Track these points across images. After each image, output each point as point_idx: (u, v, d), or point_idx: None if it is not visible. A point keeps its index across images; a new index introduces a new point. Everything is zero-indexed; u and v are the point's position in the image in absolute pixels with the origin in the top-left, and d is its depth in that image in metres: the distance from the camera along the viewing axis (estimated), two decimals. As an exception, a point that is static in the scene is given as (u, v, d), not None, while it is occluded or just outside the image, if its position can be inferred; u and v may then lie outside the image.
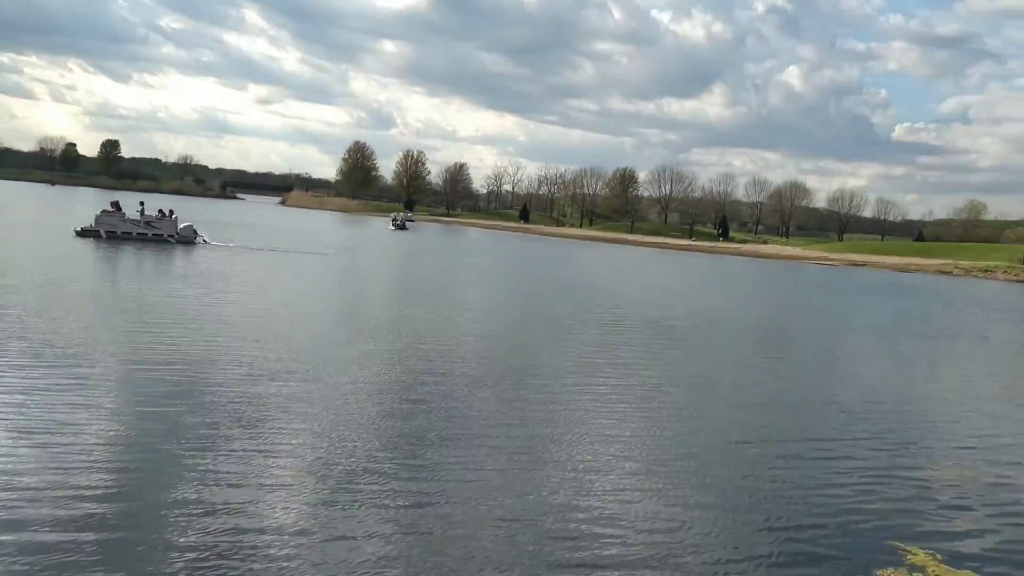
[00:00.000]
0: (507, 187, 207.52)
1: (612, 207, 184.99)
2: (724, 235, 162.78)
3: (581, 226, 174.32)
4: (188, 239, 42.96)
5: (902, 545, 8.40)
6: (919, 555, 8.17)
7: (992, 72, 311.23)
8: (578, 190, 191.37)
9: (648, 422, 12.93)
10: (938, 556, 8.15)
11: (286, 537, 7.43)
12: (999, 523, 9.41)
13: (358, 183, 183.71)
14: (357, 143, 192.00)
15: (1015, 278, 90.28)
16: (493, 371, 15.93)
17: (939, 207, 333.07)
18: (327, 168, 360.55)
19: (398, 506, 8.39)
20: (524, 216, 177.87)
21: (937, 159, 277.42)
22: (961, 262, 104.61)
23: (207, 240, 44.00)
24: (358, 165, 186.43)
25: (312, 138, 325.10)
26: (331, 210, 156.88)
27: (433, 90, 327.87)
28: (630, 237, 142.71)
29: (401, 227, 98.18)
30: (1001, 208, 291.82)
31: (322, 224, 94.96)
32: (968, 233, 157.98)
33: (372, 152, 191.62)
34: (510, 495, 9.00)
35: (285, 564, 6.91)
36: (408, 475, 9.35)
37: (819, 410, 15.05)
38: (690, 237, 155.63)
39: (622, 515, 8.71)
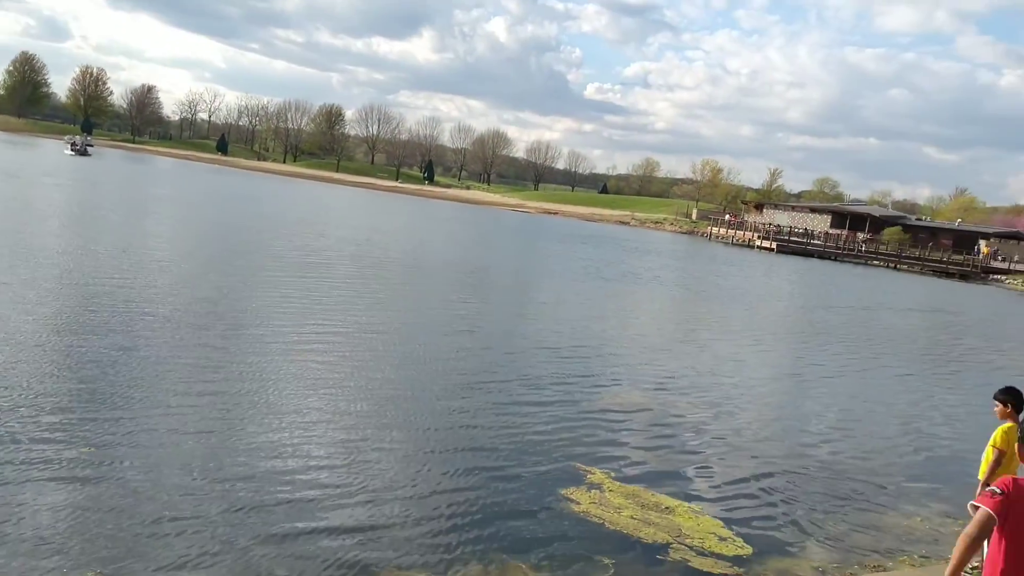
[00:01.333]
0: (203, 116, 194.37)
1: (317, 144, 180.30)
2: (430, 179, 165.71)
3: (285, 162, 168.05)
4: None
5: (584, 467, 9.09)
6: (597, 474, 8.89)
7: (669, 42, 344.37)
8: (281, 124, 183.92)
9: (355, 366, 12.80)
10: (612, 475, 8.92)
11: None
12: (662, 444, 10.53)
13: (25, 100, 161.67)
14: (24, 54, 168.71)
15: (679, 230, 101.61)
16: (186, 315, 14.83)
17: (621, 163, 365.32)
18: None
19: (65, 476, 7.47)
20: (222, 148, 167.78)
21: (621, 119, 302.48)
22: (637, 214, 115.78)
23: None
24: (25, 79, 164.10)
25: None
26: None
27: (116, 1, 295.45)
28: (336, 176, 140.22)
29: (82, 152, 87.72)
30: (671, 166, 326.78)
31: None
32: (644, 188, 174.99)
33: (43, 66, 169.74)
34: (204, 454, 8.42)
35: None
36: (81, 437, 8.40)
37: (515, 349, 15.84)
38: (397, 179, 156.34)
39: (323, 463, 8.52)
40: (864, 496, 9.43)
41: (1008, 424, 6.66)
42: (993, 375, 20.62)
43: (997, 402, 6.83)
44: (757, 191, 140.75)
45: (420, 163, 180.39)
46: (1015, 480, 3.59)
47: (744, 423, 12.23)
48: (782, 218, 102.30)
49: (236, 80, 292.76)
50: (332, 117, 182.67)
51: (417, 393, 11.35)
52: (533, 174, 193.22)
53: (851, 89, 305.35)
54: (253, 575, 5.90)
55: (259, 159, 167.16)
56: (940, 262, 78.47)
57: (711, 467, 9.82)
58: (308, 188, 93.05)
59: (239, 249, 26.38)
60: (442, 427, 9.92)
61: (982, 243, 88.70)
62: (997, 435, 6.68)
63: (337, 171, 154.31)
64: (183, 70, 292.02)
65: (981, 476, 6.71)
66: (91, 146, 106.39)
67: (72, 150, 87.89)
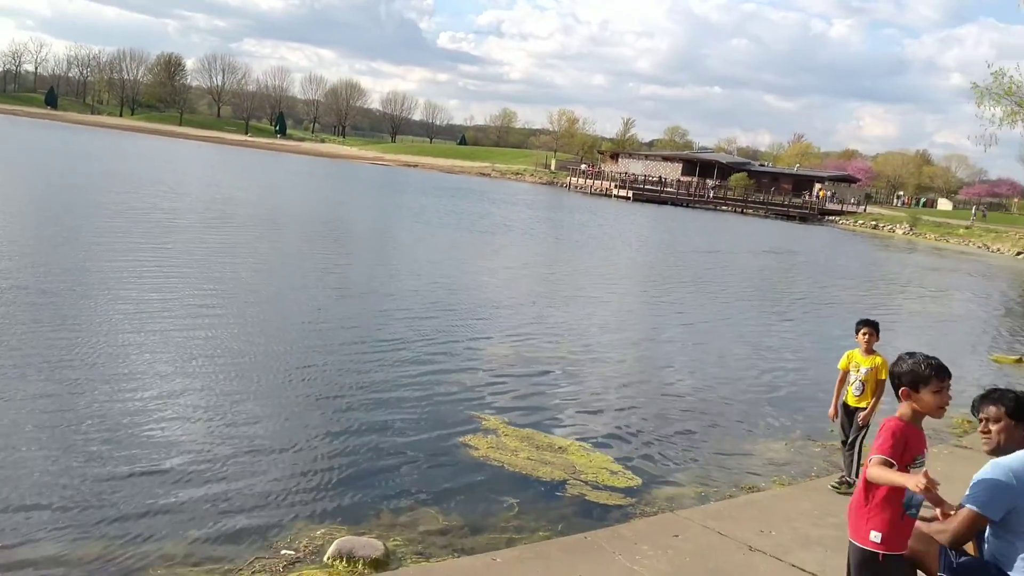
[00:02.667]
0: (28, 67, 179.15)
1: (157, 96, 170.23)
2: (282, 132, 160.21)
3: (122, 115, 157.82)
4: None
5: (477, 414, 9.37)
6: (491, 420, 9.19)
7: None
8: (116, 75, 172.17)
9: (223, 331, 12.51)
10: (506, 421, 9.25)
11: None
12: (547, 389, 10.97)
13: None
14: None
15: (539, 180, 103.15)
16: (29, 282, 14.00)
17: (478, 113, 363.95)
18: None
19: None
20: (51, 101, 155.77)
21: (477, 68, 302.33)
22: (497, 165, 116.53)
23: None
24: None
25: None
26: None
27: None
28: (180, 130, 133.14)
29: None
30: (528, 117, 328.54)
31: None
32: (502, 139, 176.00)
33: None
34: (58, 425, 8.12)
35: None
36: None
37: (392, 307, 15.89)
38: (246, 133, 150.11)
39: (200, 429, 8.39)
40: (733, 427, 10.20)
41: (855, 351, 7.64)
42: (839, 310, 22.44)
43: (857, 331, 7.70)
44: (612, 141, 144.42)
45: (270, 116, 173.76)
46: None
47: (617, 365, 12.88)
48: (636, 167, 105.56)
49: (63, 28, 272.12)
50: (171, 67, 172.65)
51: (292, 354, 11.15)
52: (390, 126, 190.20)
53: (696, 39, 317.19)
54: (127, 547, 5.81)
55: (93, 112, 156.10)
56: (782, 206, 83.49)
57: (594, 408, 10.32)
58: (150, 143, 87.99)
59: (79, 211, 24.87)
60: (324, 387, 9.87)
61: (817, 187, 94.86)
62: (843, 359, 7.68)
63: (180, 125, 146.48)
64: (3, 18, 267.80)
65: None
66: None
67: None
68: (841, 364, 7.75)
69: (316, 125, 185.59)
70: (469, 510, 6.81)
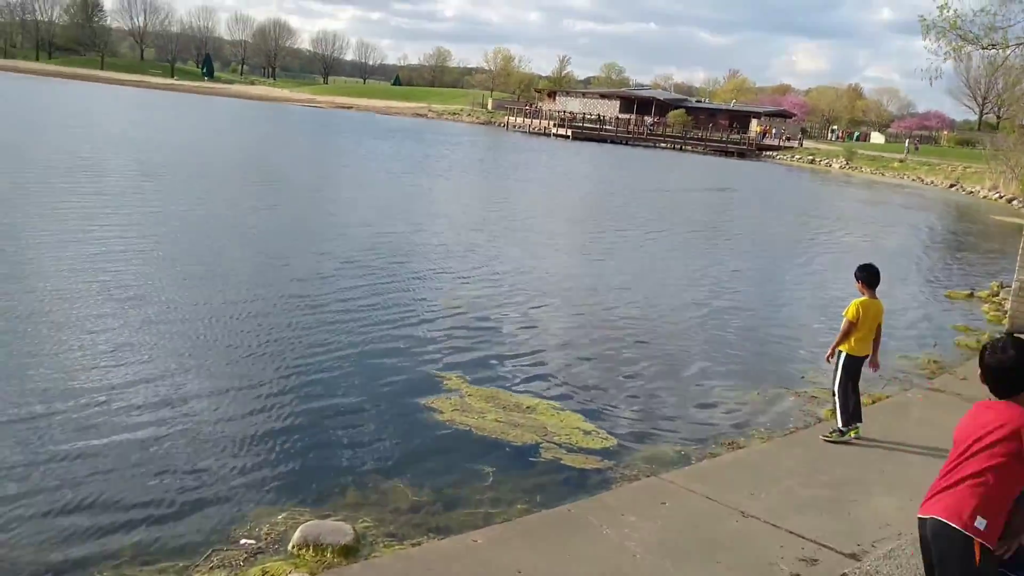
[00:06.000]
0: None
1: (75, 38, 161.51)
2: (209, 75, 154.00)
3: (38, 59, 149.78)
4: None
5: (438, 373, 8.91)
6: (453, 380, 8.75)
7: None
8: (28, 16, 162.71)
9: (163, 292, 11.74)
10: (468, 379, 8.81)
11: None
12: (504, 342, 10.55)
13: None
14: None
15: (477, 120, 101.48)
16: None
17: (411, 53, 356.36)
18: None
19: None
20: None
21: (409, 6, 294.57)
22: (434, 106, 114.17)
23: None
24: None
25: None
26: None
27: None
28: (101, 74, 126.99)
29: None
30: (463, 56, 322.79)
31: None
32: (437, 79, 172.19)
33: None
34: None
35: None
36: None
37: (343, 255, 15.19)
38: (172, 76, 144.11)
39: (147, 400, 7.78)
40: (701, 376, 9.94)
41: (863, 298, 7.28)
42: (793, 248, 22.43)
43: (856, 278, 7.39)
44: (548, 79, 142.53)
45: (196, 57, 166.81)
46: None
47: (575, 313, 12.53)
48: (574, 105, 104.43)
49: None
50: (89, 7, 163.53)
51: (235, 318, 10.44)
52: (321, 67, 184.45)
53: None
54: (68, 546, 5.27)
55: (6, 56, 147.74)
56: (720, 142, 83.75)
57: (557, 362, 9.94)
58: (71, 88, 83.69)
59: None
60: (270, 353, 9.23)
61: (754, 122, 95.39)
62: (850, 307, 7.27)
63: (102, 68, 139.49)
64: None
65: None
66: None
67: None
68: (851, 314, 7.24)
69: (245, 67, 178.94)
70: (440, 482, 6.38)
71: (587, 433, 7.64)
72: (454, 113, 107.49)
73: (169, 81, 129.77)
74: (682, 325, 12.38)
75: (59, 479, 5.93)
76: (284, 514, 5.70)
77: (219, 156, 32.63)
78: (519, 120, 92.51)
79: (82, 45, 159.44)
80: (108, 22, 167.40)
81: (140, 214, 16.97)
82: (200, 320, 10.08)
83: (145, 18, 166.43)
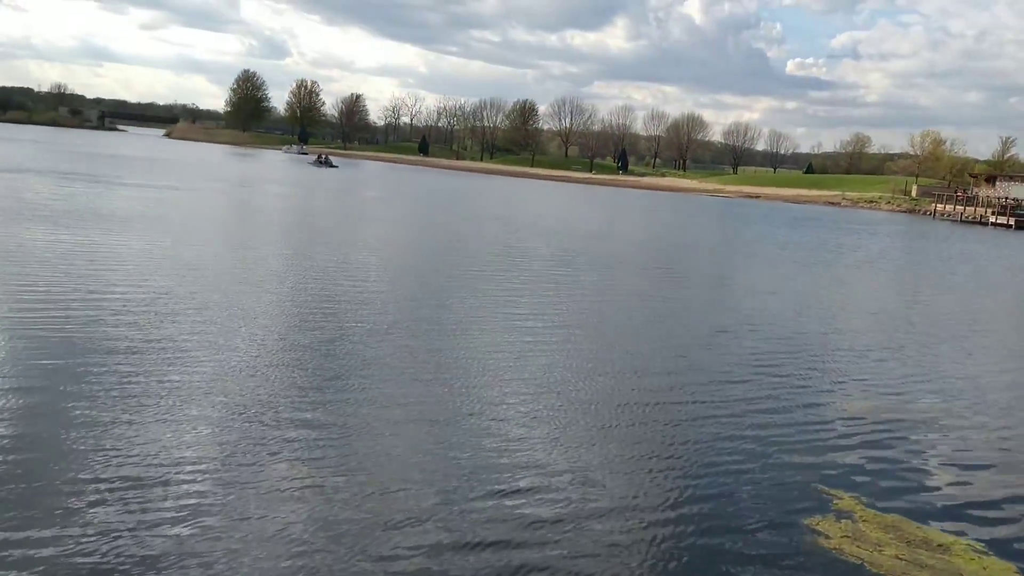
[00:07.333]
0: (405, 119, 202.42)
1: (512, 140, 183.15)
2: (623, 168, 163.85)
3: (482, 159, 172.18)
4: None
5: (828, 490, 7.85)
6: (845, 499, 7.64)
7: (880, 8, 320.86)
8: (478, 123, 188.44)
9: (580, 367, 12.12)
10: (863, 501, 7.64)
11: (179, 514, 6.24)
12: (918, 462, 9.02)
13: (248, 115, 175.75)
14: (246, 72, 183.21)
15: (897, 208, 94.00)
16: (415, 319, 14.81)
17: (827, 140, 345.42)
18: (215, 99, 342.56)
19: (310, 475, 7.28)
20: (423, 149, 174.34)
21: (827, 94, 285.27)
22: (848, 193, 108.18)
23: None
24: (248, 96, 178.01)
25: (200, 67, 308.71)
26: (221, 143, 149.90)
27: (330, 18, 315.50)
28: (531, 170, 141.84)
29: (326, 163, 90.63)
30: (884, 141, 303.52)
31: (211, 157, 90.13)
32: (853, 165, 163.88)
33: (263, 82, 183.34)
34: (430, 454, 8.00)
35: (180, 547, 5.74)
36: (314, 434, 8.22)
37: (740, 349, 14.54)
38: (591, 170, 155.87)
39: (549, 476, 7.85)
40: None
41: None
42: None
43: None
44: (987, 163, 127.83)
45: (613, 153, 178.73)
46: None
47: (1012, 434, 10.38)
48: (1019, 191, 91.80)
49: (436, 83, 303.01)
50: (526, 113, 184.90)
51: (638, 398, 10.40)
52: (731, 157, 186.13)
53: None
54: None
55: (457, 158, 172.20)
56: None
57: (983, 491, 8.23)
58: (505, 184, 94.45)
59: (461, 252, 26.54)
60: (664, 437, 8.95)
61: None
62: None
63: (532, 166, 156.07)
64: (389, 77, 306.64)
65: None
66: (304, 154, 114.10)
67: (317, 163, 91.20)
68: None
69: (657, 160, 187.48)
70: (820, 624, 5.43)
71: (1020, 591, 6.08)
72: (870, 201, 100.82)
73: (587, 175, 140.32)
74: None
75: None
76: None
77: (655, 245, 33.92)
78: (948, 207, 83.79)
79: (517, 145, 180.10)
80: (540, 124, 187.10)
81: (573, 297, 18.00)
82: (611, 397, 10.14)
83: (571, 119, 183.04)
